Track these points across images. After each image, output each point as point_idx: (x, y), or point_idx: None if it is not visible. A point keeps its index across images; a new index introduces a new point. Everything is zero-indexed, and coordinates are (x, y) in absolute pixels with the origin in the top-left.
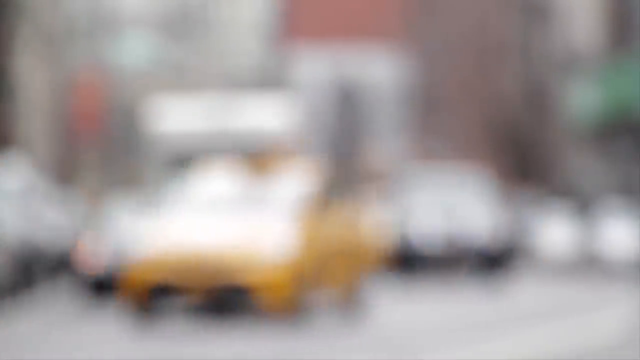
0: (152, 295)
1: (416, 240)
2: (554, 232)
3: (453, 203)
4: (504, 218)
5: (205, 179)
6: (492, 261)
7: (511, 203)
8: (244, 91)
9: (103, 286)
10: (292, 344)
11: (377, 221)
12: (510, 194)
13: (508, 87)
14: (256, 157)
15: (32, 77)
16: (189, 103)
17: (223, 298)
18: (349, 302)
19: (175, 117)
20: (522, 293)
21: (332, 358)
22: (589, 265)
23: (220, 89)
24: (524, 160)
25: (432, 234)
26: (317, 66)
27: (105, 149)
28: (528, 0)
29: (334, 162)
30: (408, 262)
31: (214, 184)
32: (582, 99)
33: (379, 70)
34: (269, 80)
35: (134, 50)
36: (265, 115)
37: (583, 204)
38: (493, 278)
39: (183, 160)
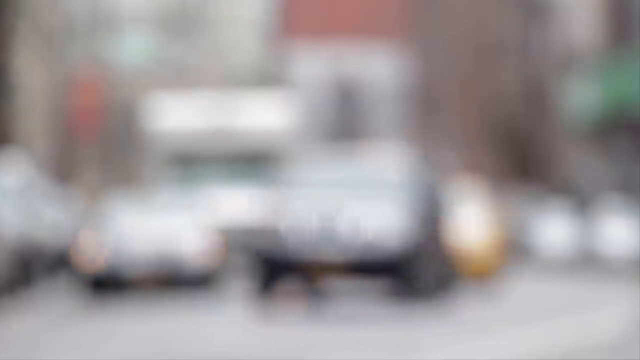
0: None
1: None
2: (553, 230)
3: (335, 203)
4: (415, 219)
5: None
6: (388, 271)
7: (510, 201)
8: (242, 89)
9: (102, 284)
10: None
11: None
12: (510, 192)
13: (507, 85)
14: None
15: (31, 75)
16: (187, 101)
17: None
18: None
19: (174, 115)
20: (520, 291)
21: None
22: (587, 262)
23: (219, 87)
24: (523, 158)
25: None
26: (316, 64)
27: (104, 147)
28: None
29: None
30: (264, 273)
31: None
32: (581, 96)
33: (378, 68)
34: (267, 78)
35: (133, 49)
36: (264, 113)
37: (582, 202)
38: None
39: (182, 158)
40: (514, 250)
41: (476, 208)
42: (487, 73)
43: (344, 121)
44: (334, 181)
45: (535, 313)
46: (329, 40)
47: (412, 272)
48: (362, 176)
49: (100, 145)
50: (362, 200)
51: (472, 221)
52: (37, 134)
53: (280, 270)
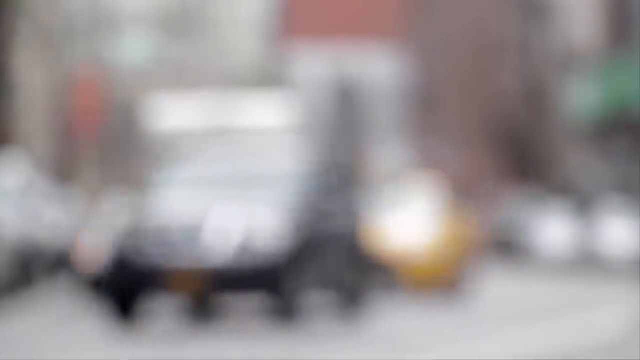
0: None
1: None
2: (553, 230)
3: (206, 203)
4: (301, 220)
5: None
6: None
7: (510, 201)
8: (243, 90)
9: (102, 285)
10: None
11: None
12: (509, 192)
13: (507, 85)
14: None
15: (31, 75)
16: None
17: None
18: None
19: (174, 115)
20: (520, 291)
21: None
22: (588, 263)
23: (220, 87)
24: (523, 158)
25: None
26: (316, 65)
27: (104, 147)
28: None
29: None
30: (120, 279)
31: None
32: (581, 97)
33: (378, 68)
34: (267, 78)
35: (133, 49)
36: (264, 113)
37: (582, 202)
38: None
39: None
40: (514, 251)
41: (425, 208)
42: (487, 73)
43: (344, 121)
44: (210, 179)
45: (535, 313)
46: (329, 41)
47: (288, 284)
48: (243, 173)
49: (101, 145)
50: (238, 200)
51: (417, 223)
52: (37, 134)
53: (138, 279)
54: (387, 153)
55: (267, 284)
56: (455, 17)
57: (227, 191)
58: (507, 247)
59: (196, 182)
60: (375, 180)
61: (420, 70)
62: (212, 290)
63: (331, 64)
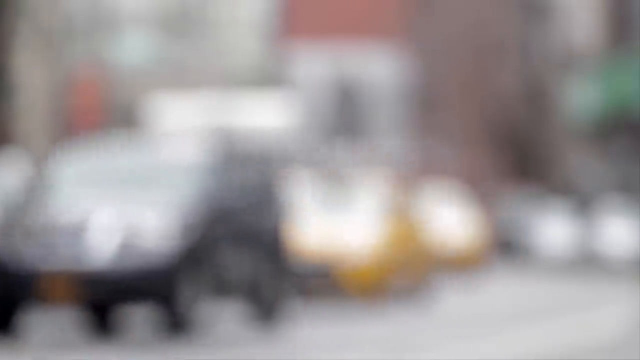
0: None
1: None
2: (553, 230)
3: (88, 200)
4: (194, 219)
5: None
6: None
7: (510, 201)
8: (242, 89)
9: None
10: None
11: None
12: (510, 192)
13: (507, 85)
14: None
15: (31, 74)
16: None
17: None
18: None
19: (174, 115)
20: (520, 291)
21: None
22: (588, 263)
23: (219, 87)
24: (523, 158)
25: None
26: (316, 64)
27: None
28: None
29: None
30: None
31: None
32: (582, 97)
33: (378, 68)
34: (267, 78)
35: (132, 48)
36: (264, 113)
37: (582, 202)
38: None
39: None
40: (514, 250)
41: (374, 208)
42: (487, 73)
43: (344, 121)
44: (101, 174)
45: (535, 313)
46: (329, 41)
47: (179, 291)
48: (137, 167)
49: None
50: (125, 197)
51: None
52: (37, 134)
53: (10, 284)
54: (386, 153)
55: (154, 290)
56: (455, 17)
57: (115, 187)
58: (507, 247)
59: (86, 177)
60: (325, 179)
61: (421, 70)
62: (91, 296)
63: (331, 64)
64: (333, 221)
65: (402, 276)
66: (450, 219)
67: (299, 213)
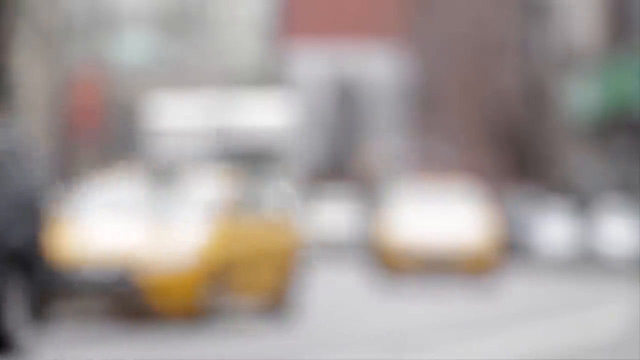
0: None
1: None
2: (553, 229)
3: None
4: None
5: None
6: None
7: (510, 201)
8: (242, 89)
9: None
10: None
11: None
12: (509, 192)
13: (507, 84)
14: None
15: (31, 74)
16: (187, 100)
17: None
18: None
19: (173, 114)
20: (520, 290)
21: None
22: (587, 262)
23: (219, 86)
24: (522, 157)
25: None
26: (316, 64)
27: (104, 146)
28: None
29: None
30: None
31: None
32: (581, 96)
33: (378, 68)
34: (267, 77)
35: (132, 48)
36: (264, 112)
37: (582, 201)
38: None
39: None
40: (514, 250)
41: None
42: (487, 73)
43: (344, 121)
44: None
45: (535, 312)
46: (329, 40)
47: None
48: None
49: (100, 144)
50: None
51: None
52: (36, 133)
53: None
54: (385, 152)
55: None
56: (456, 17)
57: None
58: (507, 247)
59: None
60: (150, 173)
61: (420, 70)
62: None
63: (331, 63)
64: (147, 222)
65: (242, 289)
66: (464, 219)
67: (92, 213)
